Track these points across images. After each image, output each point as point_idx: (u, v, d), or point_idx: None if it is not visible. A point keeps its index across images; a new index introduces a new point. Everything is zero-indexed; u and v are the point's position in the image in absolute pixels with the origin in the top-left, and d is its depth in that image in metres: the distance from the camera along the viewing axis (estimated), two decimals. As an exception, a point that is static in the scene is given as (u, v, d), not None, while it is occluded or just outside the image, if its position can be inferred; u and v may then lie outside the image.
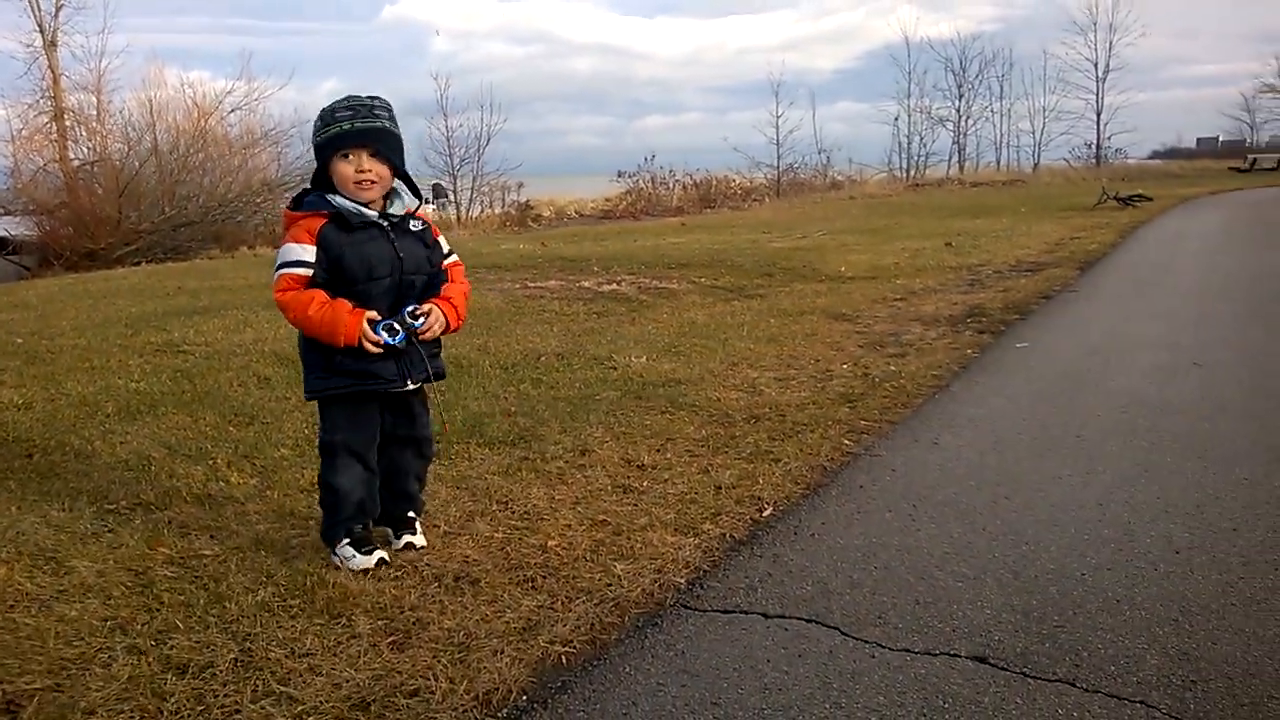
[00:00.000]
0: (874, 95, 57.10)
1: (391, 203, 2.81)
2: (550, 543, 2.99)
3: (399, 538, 2.97)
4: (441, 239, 2.94)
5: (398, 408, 2.89)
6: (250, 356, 5.84)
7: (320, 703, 2.12)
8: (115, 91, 22.90)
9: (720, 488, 3.47)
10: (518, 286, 9.05)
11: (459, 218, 24.91)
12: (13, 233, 20.25)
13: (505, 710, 2.12)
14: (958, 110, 40.62)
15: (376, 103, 2.74)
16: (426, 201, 2.98)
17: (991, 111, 41.92)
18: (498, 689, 2.17)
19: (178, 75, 25.38)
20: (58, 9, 20.84)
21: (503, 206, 26.06)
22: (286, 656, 2.30)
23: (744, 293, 8.65)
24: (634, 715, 2.10)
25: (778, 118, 34.30)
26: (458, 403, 4.68)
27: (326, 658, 2.30)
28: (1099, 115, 40.48)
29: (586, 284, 9.15)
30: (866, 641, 2.38)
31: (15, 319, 8.09)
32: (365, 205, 2.73)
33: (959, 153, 41.04)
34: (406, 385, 2.80)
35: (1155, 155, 50.31)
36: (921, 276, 9.39)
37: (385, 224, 2.75)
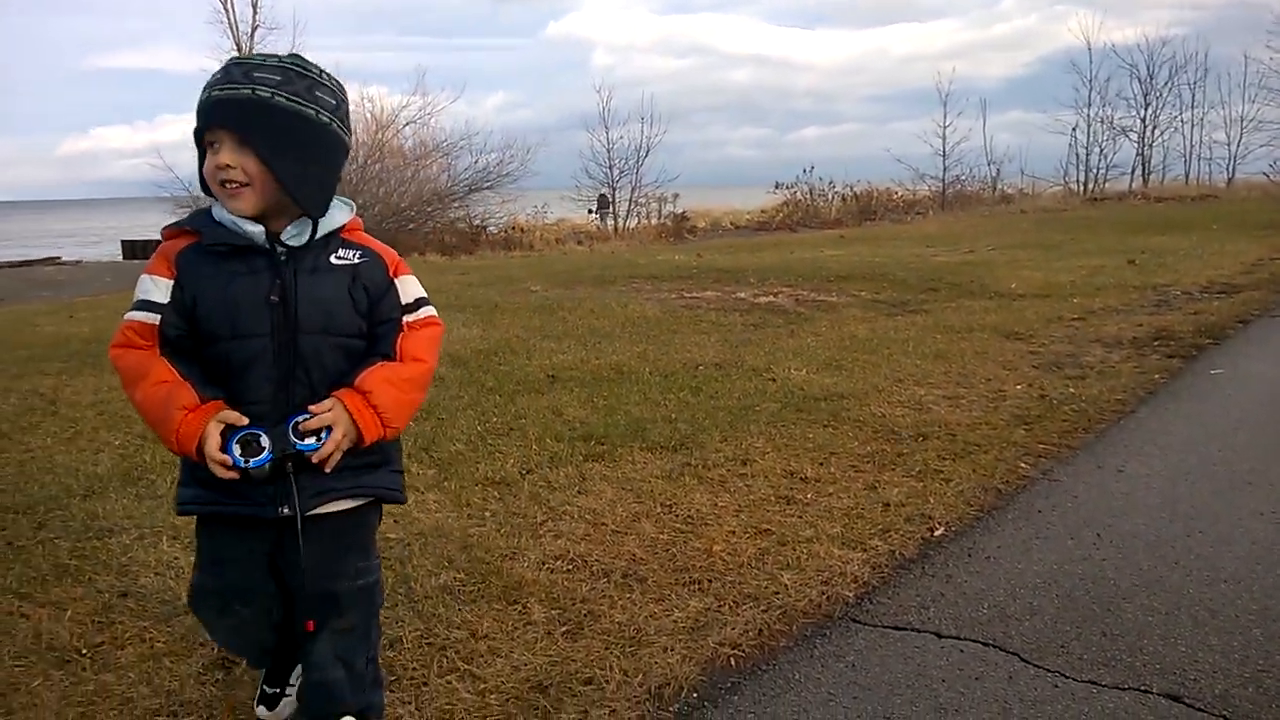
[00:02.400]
0: (1049, 104, 53.69)
1: (300, 220, 1.77)
2: (715, 547, 3.02)
3: None
4: (406, 280, 1.88)
5: (284, 542, 1.82)
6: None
7: (501, 683, 2.22)
8: (301, 106, 24.70)
9: (888, 504, 3.40)
10: (674, 296, 9.15)
11: (616, 229, 25.40)
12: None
13: (677, 705, 2.16)
14: (1143, 120, 37.84)
15: (266, 62, 1.72)
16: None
17: (1181, 121, 38.84)
18: (669, 684, 2.22)
19: (358, 90, 27.05)
20: (253, 30, 22.56)
21: (659, 218, 26.35)
22: (469, 637, 2.43)
23: (907, 308, 8.43)
24: (803, 723, 2.10)
25: (944, 127, 33.07)
26: (619, 407, 4.79)
27: (505, 641, 2.42)
28: (1307, 124, 36.90)
29: (742, 295, 9.15)
30: (1049, 670, 2.28)
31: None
32: (248, 220, 1.74)
33: (1143, 165, 38.33)
34: (281, 512, 1.77)
35: (1374, 168, 45.18)
36: (1101, 296, 8.86)
37: (279, 250, 1.76)
